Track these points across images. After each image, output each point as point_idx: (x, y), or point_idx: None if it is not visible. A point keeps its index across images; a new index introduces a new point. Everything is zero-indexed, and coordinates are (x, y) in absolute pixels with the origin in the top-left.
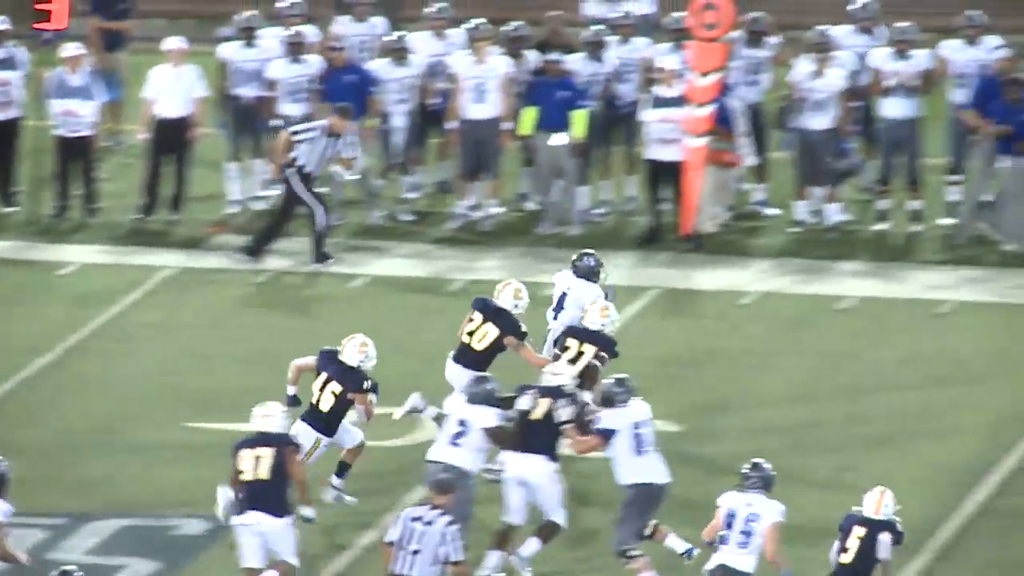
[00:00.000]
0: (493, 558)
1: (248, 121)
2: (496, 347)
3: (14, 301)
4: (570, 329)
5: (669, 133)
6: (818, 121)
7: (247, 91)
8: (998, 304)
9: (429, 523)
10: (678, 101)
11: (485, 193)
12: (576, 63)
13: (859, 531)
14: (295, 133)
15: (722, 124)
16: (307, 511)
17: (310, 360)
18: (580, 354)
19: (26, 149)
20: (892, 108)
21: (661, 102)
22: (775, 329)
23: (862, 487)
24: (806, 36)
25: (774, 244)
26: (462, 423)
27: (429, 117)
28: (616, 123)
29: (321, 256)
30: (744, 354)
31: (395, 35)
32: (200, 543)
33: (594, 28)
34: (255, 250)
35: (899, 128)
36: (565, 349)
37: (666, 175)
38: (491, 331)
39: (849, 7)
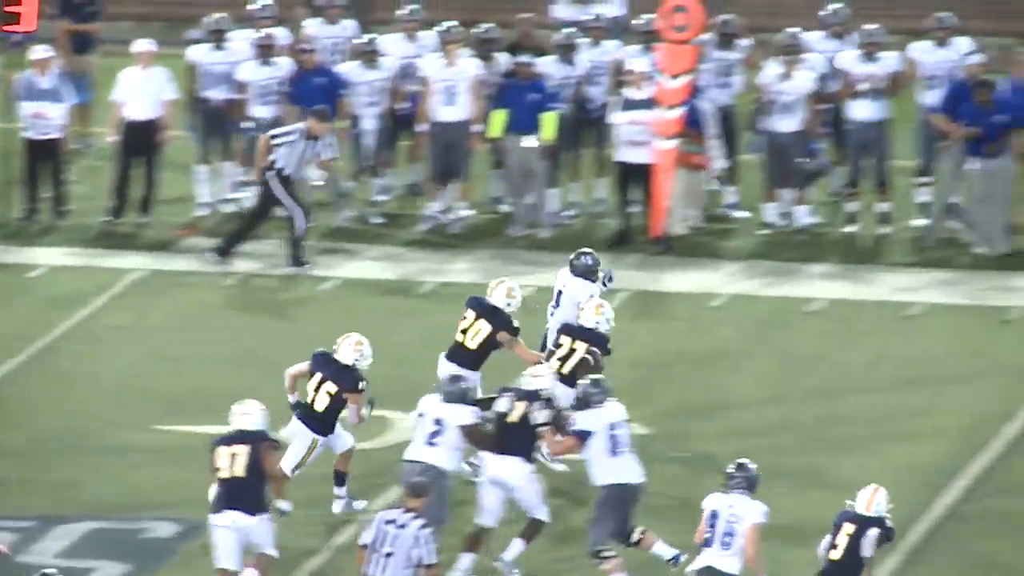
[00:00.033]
0: (465, 560)
1: (217, 124)
2: (489, 344)
3: None
4: (565, 326)
5: (639, 135)
6: (786, 123)
7: (216, 94)
8: (967, 306)
9: (403, 526)
10: (648, 103)
11: (455, 196)
12: (548, 66)
13: (849, 528)
14: (274, 137)
15: (692, 126)
16: (283, 504)
17: (303, 366)
18: (572, 351)
19: None
20: (860, 110)
21: (630, 104)
22: (745, 331)
23: (832, 489)
24: (777, 39)
25: (744, 246)
26: (438, 422)
27: (399, 120)
28: (586, 125)
29: (297, 260)
30: (714, 356)
31: (365, 38)
32: (171, 545)
33: (565, 31)
34: (225, 250)
35: (867, 130)
36: (559, 346)
37: (636, 177)
38: (484, 328)
39: (820, 13)
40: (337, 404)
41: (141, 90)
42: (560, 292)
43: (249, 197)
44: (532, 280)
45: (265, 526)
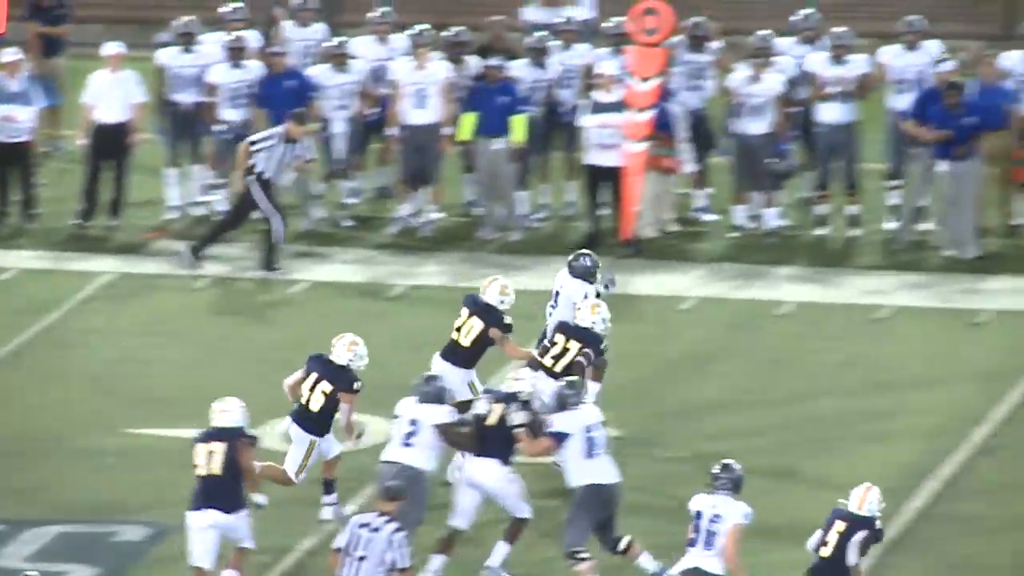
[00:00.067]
0: (436, 562)
1: (186, 127)
2: (482, 342)
3: None
4: (561, 324)
5: (608, 138)
6: (755, 126)
7: (185, 97)
8: (937, 309)
9: (376, 529)
10: (617, 106)
11: (425, 199)
12: (519, 69)
13: (840, 526)
14: (253, 143)
15: (663, 129)
16: (259, 498)
17: (299, 374)
18: (566, 350)
19: None
20: (829, 113)
21: (600, 107)
22: (714, 334)
23: (801, 492)
24: (747, 42)
25: (713, 249)
26: (413, 422)
27: (368, 125)
28: (556, 129)
29: (269, 265)
30: (684, 359)
31: (335, 41)
32: (141, 549)
33: (537, 35)
34: (198, 250)
35: (836, 133)
36: (553, 344)
37: (605, 180)
38: (476, 325)
39: (791, 18)
40: (332, 404)
41: (111, 93)
42: (558, 292)
43: (220, 200)
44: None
45: (243, 522)
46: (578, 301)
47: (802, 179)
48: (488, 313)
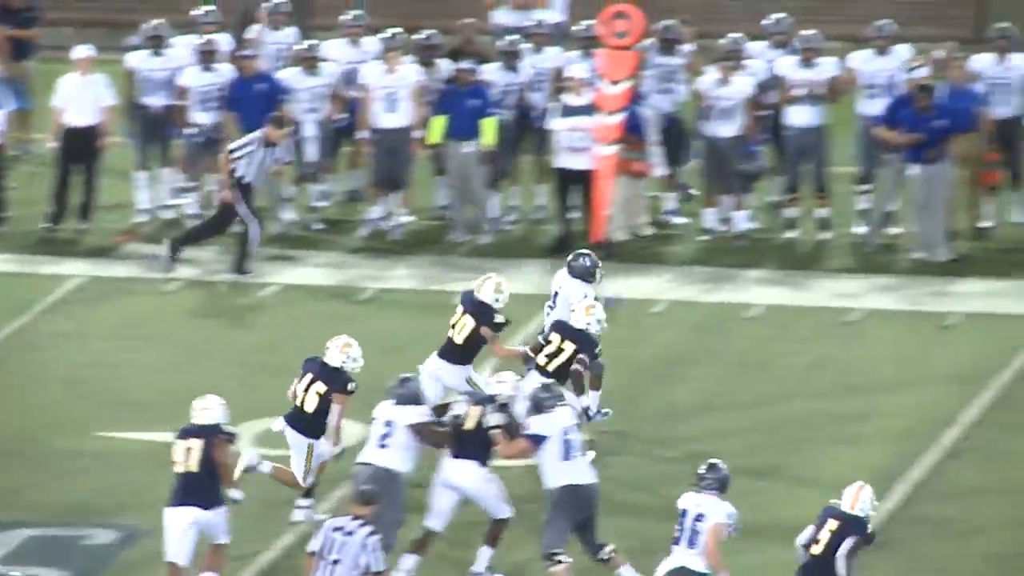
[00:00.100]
0: (408, 561)
1: (156, 130)
2: (475, 340)
3: None
4: (557, 323)
5: (578, 142)
6: (725, 129)
7: (155, 100)
8: (907, 312)
9: (350, 533)
10: (587, 109)
11: (396, 202)
12: (492, 73)
13: (832, 525)
14: (232, 152)
15: (633, 133)
16: (235, 493)
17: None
18: (560, 350)
19: None
20: (798, 116)
21: (570, 111)
22: (685, 337)
23: (771, 494)
24: (718, 45)
25: (684, 252)
26: (388, 424)
27: (341, 128)
28: (526, 131)
29: (241, 268)
30: (655, 362)
31: (306, 44)
32: (111, 552)
33: (509, 38)
34: (174, 248)
35: (805, 136)
36: (548, 342)
37: (575, 183)
38: (468, 323)
39: (763, 22)
40: (326, 405)
41: (80, 96)
42: (557, 293)
43: (189, 203)
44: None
45: (220, 519)
46: (576, 301)
47: (772, 182)
48: (480, 312)
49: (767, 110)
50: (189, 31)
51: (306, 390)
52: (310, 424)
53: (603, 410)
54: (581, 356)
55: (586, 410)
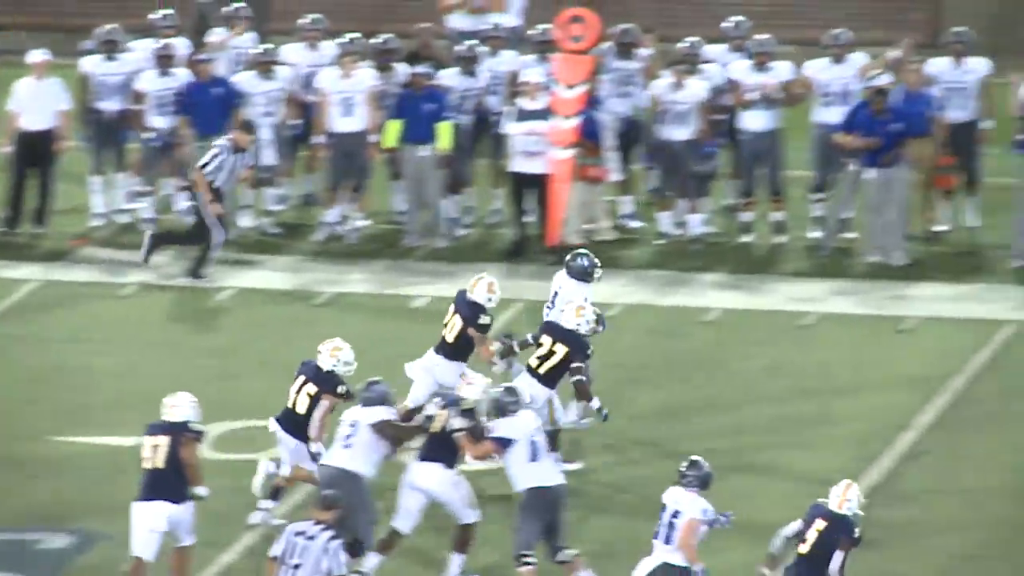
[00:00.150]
0: (371, 560)
1: (111, 134)
2: (465, 338)
3: None
4: (548, 325)
5: (534, 146)
6: (679, 132)
7: (109, 104)
8: (862, 316)
9: (311, 538)
10: (542, 114)
11: (352, 206)
12: (450, 78)
13: (820, 524)
14: (204, 167)
15: (589, 138)
16: (200, 490)
17: None
18: (551, 353)
19: None
20: (752, 120)
21: (525, 115)
22: (641, 341)
23: (728, 498)
24: (676, 48)
25: (639, 256)
26: (352, 424)
27: (298, 134)
28: (483, 135)
29: (197, 273)
30: (611, 367)
31: (261, 48)
32: (67, 557)
33: (468, 43)
34: (151, 248)
35: (760, 140)
36: (539, 344)
37: (531, 187)
38: (457, 323)
39: (722, 24)
40: (316, 407)
41: (36, 100)
42: (556, 293)
43: (145, 208)
44: (429, 290)
45: (187, 515)
46: (586, 306)
47: (727, 186)
48: (469, 312)
49: (723, 114)
50: (146, 35)
51: (298, 392)
52: (301, 425)
53: (602, 410)
54: (577, 365)
55: (599, 410)
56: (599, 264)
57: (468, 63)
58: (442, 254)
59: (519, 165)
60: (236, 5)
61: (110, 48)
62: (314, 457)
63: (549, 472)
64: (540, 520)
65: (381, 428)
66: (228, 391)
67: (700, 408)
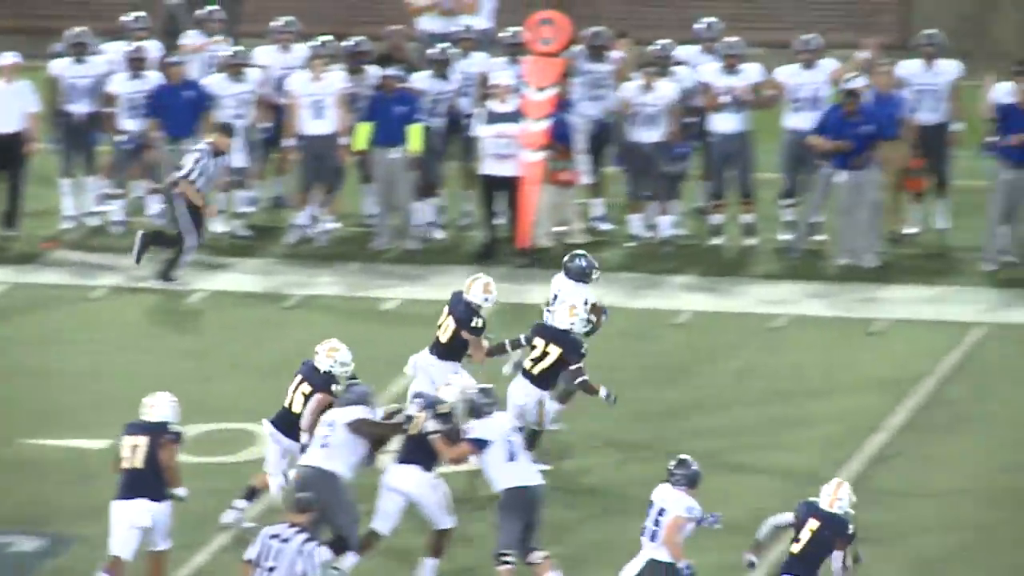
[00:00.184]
0: (349, 559)
1: (80, 137)
2: (458, 340)
3: None
4: (539, 327)
5: (504, 148)
6: (649, 135)
7: (79, 107)
8: (833, 318)
9: (286, 540)
10: (513, 116)
11: (322, 209)
12: (423, 82)
13: (813, 524)
14: (189, 175)
15: (560, 141)
16: (179, 491)
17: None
18: (545, 354)
19: None
20: (722, 123)
21: (495, 117)
22: (611, 343)
23: (700, 500)
24: (647, 51)
25: (610, 258)
26: (330, 424)
27: (269, 137)
28: (454, 137)
29: (167, 276)
30: None
31: (231, 50)
32: (36, 560)
33: (440, 46)
34: (142, 248)
35: (729, 142)
36: (533, 347)
37: (501, 190)
38: (451, 324)
39: (695, 26)
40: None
41: (5, 103)
42: (556, 296)
43: (115, 210)
44: (400, 293)
45: (165, 515)
46: (578, 305)
47: (697, 188)
48: (462, 315)
49: (694, 116)
50: (118, 38)
51: (294, 391)
52: (296, 425)
53: (610, 395)
54: (577, 367)
55: (608, 396)
56: (597, 264)
57: (441, 66)
58: (412, 257)
59: (489, 168)
60: (210, 8)
61: (79, 51)
62: (303, 450)
63: (527, 472)
64: (520, 519)
65: (358, 426)
66: (199, 393)
67: (671, 411)
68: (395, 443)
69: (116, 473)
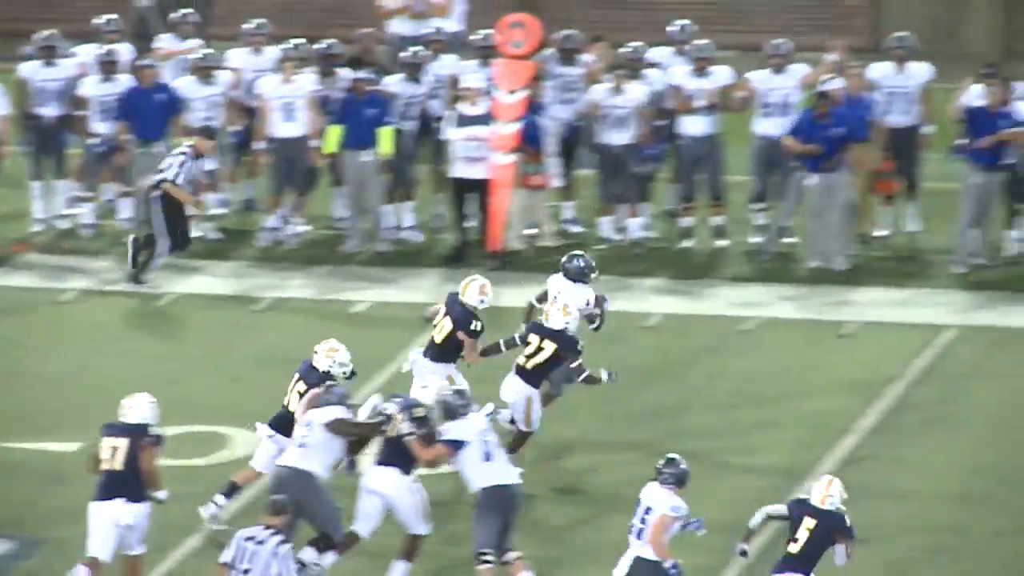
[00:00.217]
0: (328, 558)
1: (50, 140)
2: (453, 341)
3: None
4: (534, 325)
5: (474, 151)
6: (619, 137)
7: (48, 110)
8: (804, 320)
9: (261, 542)
10: (483, 119)
11: (293, 211)
12: (395, 85)
13: (809, 523)
14: (175, 180)
15: (531, 143)
16: (159, 494)
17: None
18: (540, 349)
19: None
20: (691, 125)
21: (466, 120)
22: (584, 347)
23: None
24: (619, 53)
25: None
26: (308, 424)
27: (241, 140)
28: (425, 140)
29: (137, 279)
30: None
31: (200, 53)
32: (6, 564)
33: (412, 49)
34: (136, 252)
35: (699, 145)
36: (527, 344)
37: (472, 193)
38: (447, 325)
39: (668, 28)
40: None
41: None
42: (555, 298)
43: (85, 213)
44: (370, 295)
45: (142, 519)
46: (580, 307)
47: (667, 191)
48: (459, 317)
49: (665, 118)
50: (89, 40)
51: (292, 389)
52: (292, 424)
53: (612, 374)
54: (578, 364)
55: (610, 375)
56: (594, 264)
57: (413, 70)
58: (383, 259)
59: (460, 170)
60: (183, 11)
61: (48, 54)
62: None
63: (504, 471)
64: (497, 519)
65: (336, 426)
66: (170, 396)
67: (641, 413)
68: (373, 443)
69: (89, 474)
